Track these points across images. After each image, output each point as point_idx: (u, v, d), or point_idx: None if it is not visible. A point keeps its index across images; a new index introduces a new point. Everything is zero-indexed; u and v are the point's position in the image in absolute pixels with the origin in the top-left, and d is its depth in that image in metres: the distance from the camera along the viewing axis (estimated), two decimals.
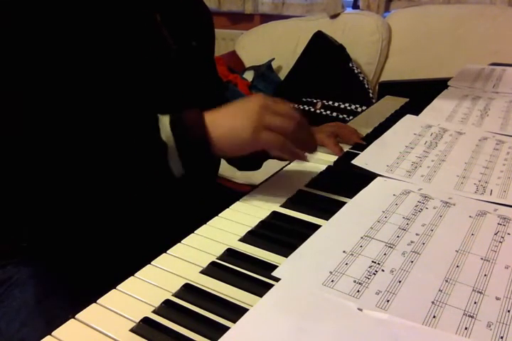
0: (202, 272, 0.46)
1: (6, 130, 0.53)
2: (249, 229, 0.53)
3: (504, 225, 0.52)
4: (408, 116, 0.85)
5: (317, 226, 0.52)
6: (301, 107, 1.96)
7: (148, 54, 0.64)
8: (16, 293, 0.59)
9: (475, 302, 0.41)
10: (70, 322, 0.40)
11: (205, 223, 0.54)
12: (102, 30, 0.58)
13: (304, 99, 1.97)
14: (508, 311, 0.40)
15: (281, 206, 0.58)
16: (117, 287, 0.44)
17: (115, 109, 0.60)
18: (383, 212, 0.55)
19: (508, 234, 0.51)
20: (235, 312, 0.40)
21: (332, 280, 0.44)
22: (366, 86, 1.95)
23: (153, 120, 0.55)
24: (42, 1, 0.54)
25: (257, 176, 1.11)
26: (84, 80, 0.57)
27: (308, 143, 0.60)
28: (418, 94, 0.98)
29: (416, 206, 0.56)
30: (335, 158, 0.71)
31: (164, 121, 0.55)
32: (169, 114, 0.56)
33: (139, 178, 0.57)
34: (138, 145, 0.55)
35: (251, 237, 0.51)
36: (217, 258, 0.48)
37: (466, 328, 0.39)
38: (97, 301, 0.42)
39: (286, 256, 0.47)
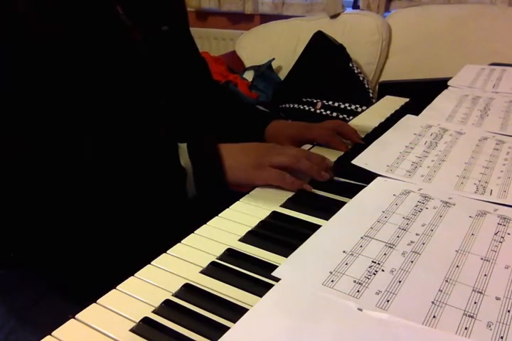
0: (202, 272, 0.46)
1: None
2: (249, 229, 0.53)
3: (504, 225, 0.52)
4: (408, 116, 0.85)
5: (317, 226, 0.52)
6: (301, 107, 1.96)
7: (111, 49, 0.63)
8: (7, 298, 0.59)
9: (475, 302, 0.41)
10: (70, 322, 0.40)
11: (205, 223, 0.54)
12: (61, 30, 0.57)
13: (304, 99, 1.97)
14: (508, 311, 0.40)
15: (281, 206, 0.58)
16: (117, 287, 0.44)
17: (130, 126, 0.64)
18: (383, 212, 0.55)
19: (508, 234, 0.51)
20: (235, 312, 0.40)
21: (332, 280, 0.44)
22: (366, 86, 1.95)
23: (175, 146, 0.61)
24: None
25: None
26: (49, 84, 0.57)
27: (317, 169, 0.62)
28: (418, 94, 0.98)
29: (416, 206, 0.56)
30: (335, 157, 0.71)
31: (182, 148, 0.60)
32: (187, 142, 0.61)
33: (155, 197, 0.61)
34: (159, 170, 0.60)
35: (251, 237, 0.51)
36: (217, 258, 0.48)
37: (466, 328, 0.39)
38: (97, 301, 0.42)
39: (286, 256, 0.47)
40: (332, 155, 0.71)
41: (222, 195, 0.61)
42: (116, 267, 0.48)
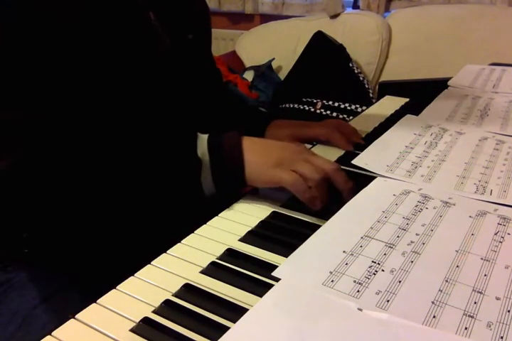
0: (202, 272, 0.46)
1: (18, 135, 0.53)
2: (249, 229, 0.53)
3: (504, 225, 0.52)
4: (408, 116, 0.85)
5: (317, 226, 0.52)
6: (301, 107, 1.96)
7: (142, 53, 0.64)
8: (14, 296, 0.59)
9: (475, 302, 0.41)
10: (70, 322, 0.40)
11: (205, 223, 0.54)
12: (95, 34, 0.58)
13: (304, 99, 1.97)
14: (508, 311, 0.40)
15: (281, 206, 0.58)
16: (117, 287, 0.44)
17: (146, 120, 0.63)
18: (383, 212, 0.55)
19: (508, 234, 0.51)
20: (235, 312, 0.40)
21: (332, 280, 0.44)
22: (366, 86, 1.95)
23: (193, 136, 0.58)
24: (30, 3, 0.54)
25: None
26: (79, 84, 0.57)
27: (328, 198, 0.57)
28: (418, 94, 0.98)
29: (416, 206, 0.56)
30: (335, 158, 0.71)
31: (202, 139, 0.58)
32: (208, 134, 0.59)
33: (168, 190, 0.59)
34: (174, 158, 0.57)
35: (251, 237, 0.51)
36: (217, 258, 0.48)
37: (466, 328, 0.39)
38: (97, 301, 0.42)
39: (286, 256, 0.47)
40: (332, 155, 0.71)
41: (239, 192, 0.58)
42: (116, 267, 0.48)
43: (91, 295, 0.43)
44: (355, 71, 1.96)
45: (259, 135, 0.79)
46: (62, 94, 0.57)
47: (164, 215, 0.64)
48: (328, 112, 1.91)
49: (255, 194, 0.60)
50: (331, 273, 0.45)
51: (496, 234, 0.51)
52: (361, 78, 1.95)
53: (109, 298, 0.43)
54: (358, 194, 0.59)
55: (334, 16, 2.11)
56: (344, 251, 0.48)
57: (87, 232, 0.63)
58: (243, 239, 0.51)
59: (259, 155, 0.57)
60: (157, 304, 0.42)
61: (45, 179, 0.54)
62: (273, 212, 0.56)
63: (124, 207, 0.60)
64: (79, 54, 0.57)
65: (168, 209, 0.63)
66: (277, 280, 0.44)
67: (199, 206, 0.59)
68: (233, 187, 0.58)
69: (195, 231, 0.52)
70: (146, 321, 0.40)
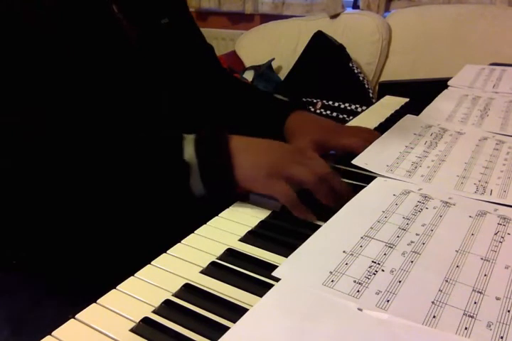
0: (202, 272, 0.46)
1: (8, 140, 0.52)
2: (249, 229, 0.53)
3: (504, 225, 0.52)
4: (408, 116, 0.85)
5: (317, 226, 0.52)
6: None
7: (108, 51, 0.62)
8: (4, 300, 0.59)
9: (475, 302, 0.41)
10: (70, 322, 0.40)
11: (205, 223, 0.54)
12: (57, 34, 0.57)
13: (304, 99, 1.97)
14: (508, 311, 0.40)
15: (281, 206, 0.57)
16: (117, 287, 0.44)
17: (118, 119, 0.60)
18: (383, 212, 0.55)
19: (508, 234, 0.51)
20: (235, 312, 0.40)
21: (332, 280, 0.44)
22: (366, 86, 1.95)
23: (179, 139, 0.55)
24: None
25: None
26: (48, 85, 0.56)
27: (333, 197, 0.56)
28: (418, 94, 0.98)
29: (416, 206, 0.56)
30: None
31: (189, 141, 0.55)
32: (194, 134, 0.55)
33: (156, 194, 0.57)
34: (160, 163, 0.54)
35: (251, 237, 0.51)
36: (217, 258, 0.48)
37: (466, 328, 0.39)
38: (97, 301, 0.42)
39: (286, 256, 0.47)
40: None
41: (232, 195, 0.56)
42: (116, 267, 0.48)
43: (91, 295, 0.43)
44: (355, 71, 1.96)
45: (276, 131, 0.72)
46: (31, 95, 0.55)
47: (159, 216, 0.64)
48: (328, 112, 1.91)
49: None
50: (331, 273, 0.45)
51: (495, 234, 0.51)
52: (361, 78, 1.95)
53: (109, 298, 0.43)
54: (358, 194, 0.58)
55: (334, 16, 2.11)
56: (344, 251, 0.48)
57: (83, 234, 0.62)
58: (243, 239, 0.51)
59: (249, 156, 0.55)
60: (157, 304, 0.42)
61: (33, 183, 0.53)
62: (273, 212, 0.56)
63: (113, 211, 0.59)
64: (43, 55, 0.56)
65: (160, 211, 0.62)
66: (277, 280, 0.44)
67: (197, 206, 0.59)
68: (224, 189, 0.56)
69: (195, 231, 0.52)
70: (146, 321, 0.40)
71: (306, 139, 0.68)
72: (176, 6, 0.76)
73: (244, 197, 0.59)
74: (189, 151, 0.54)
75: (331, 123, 0.72)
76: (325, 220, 0.54)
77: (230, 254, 0.48)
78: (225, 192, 0.56)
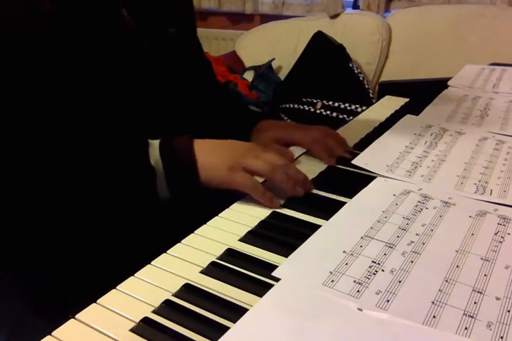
0: (202, 272, 0.46)
1: None
2: (249, 229, 0.53)
3: (504, 225, 0.52)
4: (408, 116, 0.85)
5: (317, 226, 0.52)
6: (301, 107, 1.96)
7: (114, 51, 0.62)
8: (4, 300, 0.59)
9: (475, 302, 0.41)
10: (70, 322, 0.40)
11: (205, 223, 0.54)
12: (66, 39, 0.56)
13: (304, 99, 1.97)
14: (508, 311, 0.40)
15: (281, 206, 0.58)
16: (117, 287, 0.44)
17: (103, 125, 0.60)
18: (383, 212, 0.55)
19: (508, 234, 0.51)
20: (235, 312, 0.40)
21: (332, 280, 0.44)
22: (366, 86, 1.95)
23: (144, 144, 0.57)
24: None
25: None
26: (50, 90, 0.56)
27: (291, 184, 0.58)
28: (418, 94, 0.98)
29: (416, 206, 0.56)
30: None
31: (154, 146, 0.57)
32: (159, 139, 0.58)
33: (124, 198, 0.58)
34: (127, 168, 0.56)
35: (251, 237, 0.51)
36: (217, 258, 0.48)
37: (466, 328, 0.39)
38: (97, 301, 0.42)
39: (286, 256, 0.47)
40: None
41: (202, 195, 0.58)
42: (116, 267, 0.48)
43: (91, 295, 0.43)
44: (355, 71, 1.96)
45: (245, 135, 0.78)
46: (29, 100, 0.55)
47: (159, 217, 0.64)
48: (328, 112, 1.91)
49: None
50: (331, 273, 0.45)
51: (496, 234, 0.51)
52: (361, 78, 1.95)
53: (109, 298, 0.43)
54: (358, 194, 0.59)
55: (334, 16, 2.11)
56: (344, 251, 0.48)
57: (82, 234, 0.62)
58: (243, 239, 0.51)
59: (211, 157, 0.58)
60: (157, 304, 0.42)
61: (29, 184, 0.53)
62: (273, 212, 0.56)
63: (106, 211, 0.59)
64: (50, 60, 0.55)
65: (160, 211, 0.62)
66: (277, 280, 0.44)
67: (196, 206, 0.59)
68: (188, 191, 0.58)
69: (195, 231, 0.52)
70: (146, 321, 0.40)
71: (266, 137, 0.75)
72: (184, 17, 0.77)
73: (244, 197, 0.59)
74: (154, 156, 0.56)
75: (292, 124, 0.79)
76: (325, 220, 0.54)
77: (230, 254, 0.48)
78: (189, 195, 0.59)
